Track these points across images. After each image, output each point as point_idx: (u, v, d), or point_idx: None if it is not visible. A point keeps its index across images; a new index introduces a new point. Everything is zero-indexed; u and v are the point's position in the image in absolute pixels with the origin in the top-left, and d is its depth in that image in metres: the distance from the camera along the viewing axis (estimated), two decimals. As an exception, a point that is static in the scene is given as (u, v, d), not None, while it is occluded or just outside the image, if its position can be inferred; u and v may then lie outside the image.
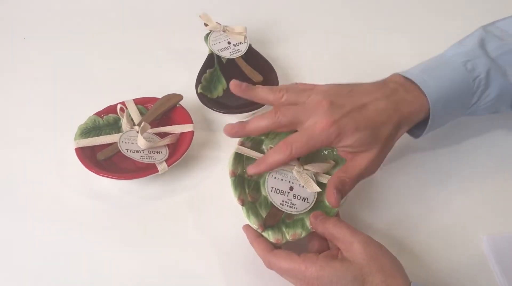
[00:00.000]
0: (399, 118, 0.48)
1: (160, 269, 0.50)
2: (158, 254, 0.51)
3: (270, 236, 0.47)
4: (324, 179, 0.51)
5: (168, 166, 0.55)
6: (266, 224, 0.47)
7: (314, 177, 0.50)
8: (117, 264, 0.50)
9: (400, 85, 0.51)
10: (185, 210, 0.55)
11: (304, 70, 0.71)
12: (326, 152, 0.54)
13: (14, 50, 0.77)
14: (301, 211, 0.49)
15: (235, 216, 0.53)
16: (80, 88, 0.70)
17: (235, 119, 0.63)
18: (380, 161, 0.50)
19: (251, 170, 0.49)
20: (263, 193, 0.51)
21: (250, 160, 0.51)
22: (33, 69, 0.73)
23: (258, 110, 0.62)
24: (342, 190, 0.47)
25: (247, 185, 0.51)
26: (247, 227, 0.48)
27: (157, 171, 0.54)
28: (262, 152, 0.53)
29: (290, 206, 0.49)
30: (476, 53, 0.52)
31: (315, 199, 0.49)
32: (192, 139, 0.57)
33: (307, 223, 0.48)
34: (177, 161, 0.56)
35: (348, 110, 0.47)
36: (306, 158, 0.53)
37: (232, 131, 0.49)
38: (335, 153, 0.53)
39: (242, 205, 0.48)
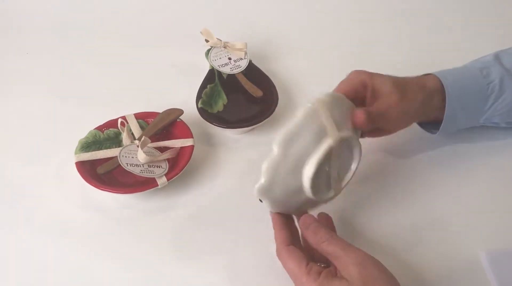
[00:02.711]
0: (419, 83, 0.54)
1: (159, 284, 0.50)
2: (156, 269, 0.51)
3: None
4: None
5: (168, 180, 0.55)
6: None
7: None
8: (116, 278, 0.50)
9: (422, 77, 0.56)
10: (185, 225, 0.55)
11: (303, 85, 0.72)
12: None
13: (17, 65, 0.78)
14: None
15: (235, 230, 0.53)
16: (82, 102, 0.70)
17: (236, 133, 0.64)
18: (401, 112, 0.52)
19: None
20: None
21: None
22: (35, 84, 0.74)
23: (258, 125, 0.62)
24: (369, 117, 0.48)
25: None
26: (276, 215, 0.47)
27: (157, 185, 0.54)
28: None
29: None
30: (491, 63, 0.57)
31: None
32: (192, 153, 0.58)
33: None
34: (177, 176, 0.56)
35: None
36: None
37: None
38: None
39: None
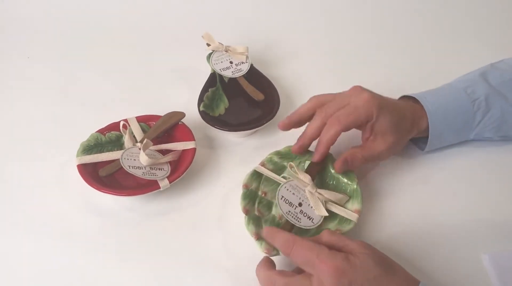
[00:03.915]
0: (413, 119, 0.56)
1: (161, 287, 0.50)
2: (158, 271, 0.50)
3: (263, 245, 0.48)
4: (334, 208, 0.52)
5: (170, 182, 0.55)
6: None
7: (324, 203, 0.51)
8: (117, 281, 0.50)
9: (408, 101, 0.58)
10: (187, 227, 0.54)
11: (304, 89, 0.72)
12: (345, 182, 0.55)
13: (18, 69, 0.78)
14: (304, 226, 0.50)
15: (236, 233, 0.53)
16: (83, 106, 0.70)
17: (237, 136, 0.64)
18: (393, 150, 0.56)
19: (297, 149, 0.56)
20: (274, 212, 0.53)
21: (269, 180, 0.55)
22: (36, 88, 0.74)
23: (259, 127, 0.62)
24: (350, 163, 0.53)
25: (258, 201, 0.53)
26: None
27: (159, 187, 0.54)
28: (282, 175, 0.55)
29: (295, 218, 0.50)
30: (476, 80, 0.58)
31: (320, 222, 0.51)
32: (194, 156, 0.58)
33: None
34: (179, 178, 0.56)
35: (383, 97, 0.55)
36: (322, 184, 0.55)
37: (298, 148, 0.56)
38: (349, 187, 0.54)
39: (246, 214, 0.51)
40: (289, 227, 0.50)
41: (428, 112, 0.56)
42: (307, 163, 0.57)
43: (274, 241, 0.46)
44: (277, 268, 0.47)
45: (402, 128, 0.55)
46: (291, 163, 0.53)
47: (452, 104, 0.56)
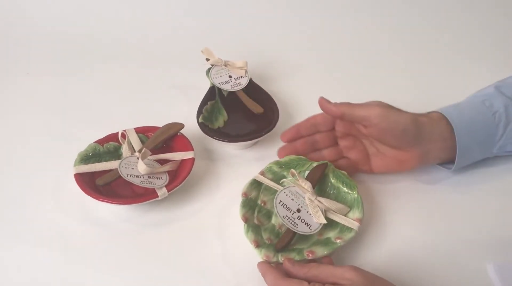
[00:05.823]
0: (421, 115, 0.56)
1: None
2: (156, 282, 0.49)
3: (262, 252, 0.47)
4: (334, 216, 0.51)
5: (168, 191, 0.54)
6: (277, 247, 0.48)
7: (323, 211, 0.51)
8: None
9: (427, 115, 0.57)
10: (184, 237, 0.53)
11: (304, 104, 0.72)
12: (345, 191, 0.55)
13: (18, 85, 0.78)
14: (301, 231, 0.49)
15: (235, 242, 0.52)
16: (83, 119, 0.70)
17: (236, 148, 0.64)
18: (382, 116, 0.54)
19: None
20: (273, 222, 0.53)
21: (268, 189, 0.55)
22: (36, 102, 0.74)
23: (259, 139, 0.62)
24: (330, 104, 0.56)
25: (257, 210, 0.53)
26: (260, 263, 0.47)
27: (157, 196, 0.53)
28: (282, 185, 0.55)
29: (291, 223, 0.49)
30: (492, 94, 0.57)
31: (318, 229, 0.50)
32: (192, 165, 0.57)
33: (304, 252, 0.48)
34: (178, 187, 0.55)
35: None
36: (322, 193, 0.55)
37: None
38: (350, 196, 0.54)
39: (245, 222, 0.50)
40: (290, 237, 0.49)
41: (455, 127, 0.54)
42: (307, 173, 0.56)
43: (265, 278, 0.45)
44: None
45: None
46: (293, 170, 0.53)
47: (475, 118, 0.55)
